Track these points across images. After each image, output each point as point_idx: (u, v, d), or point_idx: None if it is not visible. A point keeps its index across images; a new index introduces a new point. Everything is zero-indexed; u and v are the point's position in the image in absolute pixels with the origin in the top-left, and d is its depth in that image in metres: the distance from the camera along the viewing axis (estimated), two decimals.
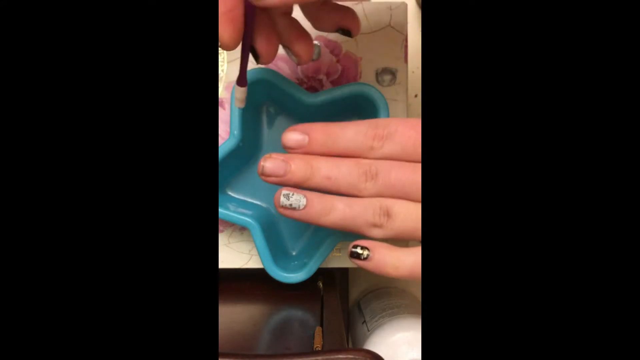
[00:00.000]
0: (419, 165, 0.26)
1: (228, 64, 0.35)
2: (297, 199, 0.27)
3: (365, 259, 0.26)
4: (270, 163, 0.27)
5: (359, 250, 0.26)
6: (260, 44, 0.27)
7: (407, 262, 0.26)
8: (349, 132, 0.27)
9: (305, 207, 0.27)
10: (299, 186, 0.27)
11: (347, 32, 0.28)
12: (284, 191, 0.27)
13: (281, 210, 0.27)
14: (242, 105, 0.30)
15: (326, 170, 0.27)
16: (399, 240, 0.28)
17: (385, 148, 0.27)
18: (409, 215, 0.26)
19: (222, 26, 0.23)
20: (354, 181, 0.27)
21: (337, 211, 0.27)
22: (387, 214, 0.26)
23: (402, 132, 0.26)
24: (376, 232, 0.27)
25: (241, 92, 0.29)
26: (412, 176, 0.26)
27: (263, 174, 0.27)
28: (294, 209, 0.27)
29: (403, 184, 0.26)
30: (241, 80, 0.28)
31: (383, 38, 0.35)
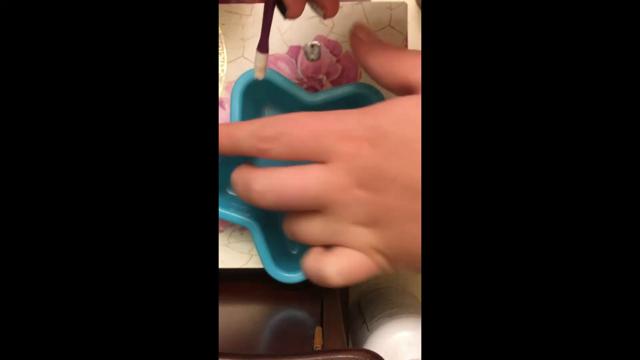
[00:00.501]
0: (303, 168, 0.26)
1: (228, 64, 0.35)
2: None
3: None
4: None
5: None
6: None
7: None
8: (242, 133, 0.27)
9: None
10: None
11: (318, 10, 0.27)
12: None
13: None
14: (262, 76, 0.27)
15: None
16: None
17: (275, 151, 0.26)
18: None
19: None
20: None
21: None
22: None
23: (290, 133, 0.26)
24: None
25: (261, 59, 0.26)
26: (291, 180, 0.26)
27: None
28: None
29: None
30: (263, 45, 0.26)
31: (383, 38, 0.35)
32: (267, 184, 0.26)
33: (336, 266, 0.27)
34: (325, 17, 0.27)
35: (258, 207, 0.27)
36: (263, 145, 0.26)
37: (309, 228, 0.27)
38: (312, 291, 0.35)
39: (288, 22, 0.34)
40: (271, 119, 0.27)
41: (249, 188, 0.27)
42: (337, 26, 0.35)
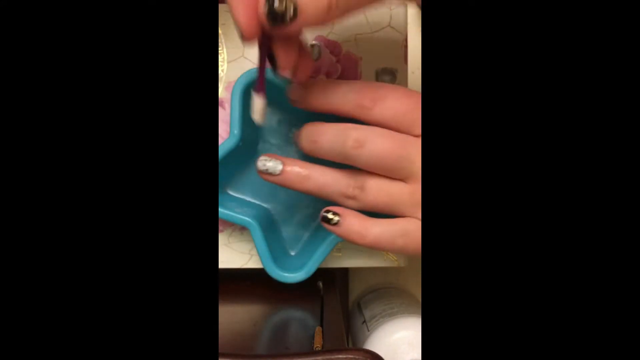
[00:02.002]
0: (406, 138, 0.26)
1: (228, 64, 0.35)
2: (273, 165, 0.28)
3: (334, 224, 0.27)
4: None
5: (329, 215, 0.28)
6: (281, 51, 0.24)
7: (373, 232, 0.27)
8: (343, 88, 0.27)
9: (281, 173, 0.28)
10: (293, 188, 0.29)
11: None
12: (262, 157, 0.28)
13: (261, 174, 0.29)
14: (261, 118, 0.27)
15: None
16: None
17: (376, 110, 0.26)
18: (382, 191, 0.27)
19: (236, 10, 0.21)
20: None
21: (311, 180, 0.28)
22: (361, 187, 0.27)
23: (394, 97, 0.26)
24: (350, 203, 0.28)
25: (259, 102, 0.26)
26: (397, 151, 0.26)
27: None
28: (271, 174, 0.28)
29: (385, 158, 0.26)
30: (260, 87, 0.25)
31: (383, 38, 0.35)
32: None
33: None
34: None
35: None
36: (366, 102, 0.27)
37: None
38: (312, 291, 0.35)
39: None
40: (376, 83, 0.28)
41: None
42: (337, 26, 0.35)
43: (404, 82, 0.35)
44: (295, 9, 0.20)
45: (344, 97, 0.27)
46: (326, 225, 0.28)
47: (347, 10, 0.22)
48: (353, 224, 0.27)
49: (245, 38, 0.22)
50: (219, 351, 0.24)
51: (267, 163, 0.28)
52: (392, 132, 0.26)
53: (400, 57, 0.35)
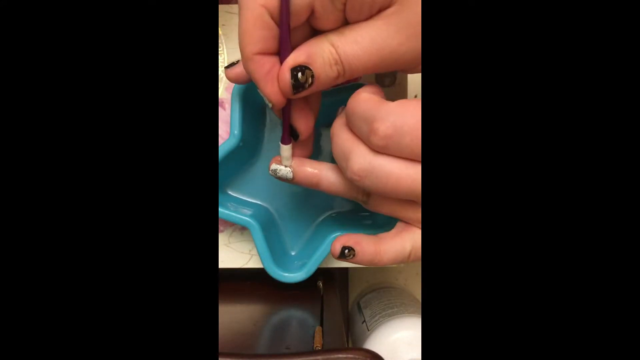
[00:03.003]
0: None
1: None
2: (284, 173, 0.29)
3: (352, 257, 0.29)
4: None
5: (345, 252, 0.29)
6: (299, 121, 0.28)
7: (387, 256, 0.28)
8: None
9: (293, 179, 0.29)
10: (307, 187, 0.30)
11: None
12: (273, 165, 0.29)
13: (272, 174, 0.30)
14: (289, 164, 0.29)
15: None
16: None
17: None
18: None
19: (268, 88, 0.25)
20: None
21: (322, 185, 0.29)
22: (367, 194, 0.29)
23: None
24: (362, 202, 0.29)
25: (286, 149, 0.29)
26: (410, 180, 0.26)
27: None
28: (282, 178, 0.30)
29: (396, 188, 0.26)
30: (285, 139, 0.28)
31: None
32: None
33: None
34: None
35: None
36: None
37: None
38: (312, 291, 0.36)
39: None
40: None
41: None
42: None
43: (404, 83, 0.35)
44: (312, 78, 0.25)
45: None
46: (342, 260, 0.29)
47: (352, 76, 0.25)
48: (366, 254, 0.28)
49: (276, 107, 0.26)
50: (219, 351, 0.24)
51: (279, 173, 0.29)
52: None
53: None
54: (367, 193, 0.28)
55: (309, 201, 0.36)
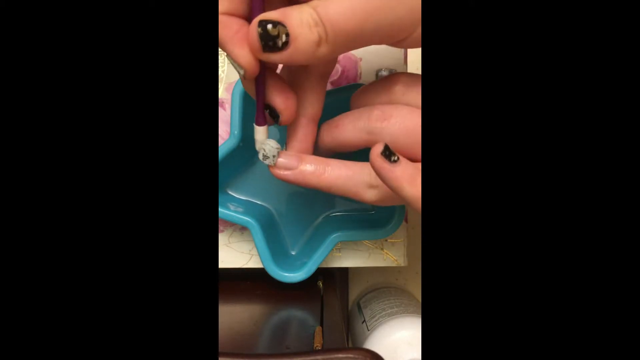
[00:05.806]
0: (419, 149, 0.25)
1: (228, 65, 0.35)
2: (261, 156, 0.26)
3: (395, 161, 0.23)
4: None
5: (388, 153, 0.23)
6: (277, 98, 0.24)
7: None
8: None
9: (298, 169, 0.26)
10: (308, 184, 0.26)
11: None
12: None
13: (276, 173, 0.26)
14: (264, 148, 0.26)
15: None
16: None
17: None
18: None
19: (236, 49, 0.22)
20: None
21: (332, 170, 0.26)
22: (374, 184, 0.26)
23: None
24: (371, 194, 0.26)
25: (261, 132, 0.25)
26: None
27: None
28: (288, 169, 0.26)
29: (412, 129, 0.25)
30: (259, 119, 0.25)
31: None
32: None
33: None
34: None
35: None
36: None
37: None
38: (312, 291, 0.36)
39: None
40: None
41: None
42: None
43: None
44: (287, 35, 0.21)
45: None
46: (387, 165, 0.23)
47: (335, 51, 0.22)
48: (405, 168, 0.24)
49: (248, 75, 0.22)
50: (219, 350, 0.24)
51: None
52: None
53: (400, 58, 0.35)
54: (374, 184, 0.26)
55: (309, 201, 0.36)
